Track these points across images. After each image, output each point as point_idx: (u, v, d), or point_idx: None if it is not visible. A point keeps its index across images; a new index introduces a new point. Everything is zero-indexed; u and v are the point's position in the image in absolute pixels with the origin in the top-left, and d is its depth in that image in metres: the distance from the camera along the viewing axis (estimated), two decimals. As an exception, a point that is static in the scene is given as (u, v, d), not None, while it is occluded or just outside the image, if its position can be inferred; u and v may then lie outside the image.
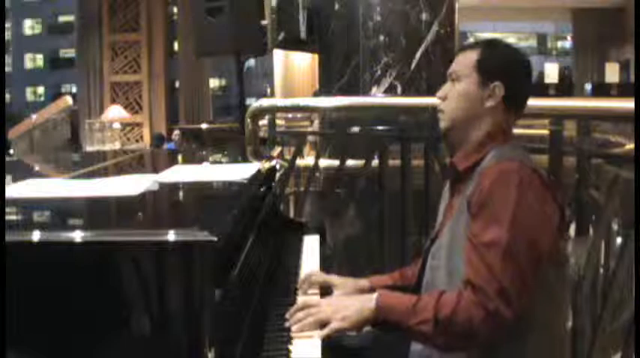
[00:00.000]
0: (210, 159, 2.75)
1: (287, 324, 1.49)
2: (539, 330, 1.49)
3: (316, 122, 4.78)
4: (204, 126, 11.23)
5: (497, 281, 1.39)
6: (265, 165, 2.25)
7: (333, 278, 1.80)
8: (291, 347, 1.40)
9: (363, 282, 1.80)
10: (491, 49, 1.65)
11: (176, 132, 10.54)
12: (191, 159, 2.86)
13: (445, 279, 1.54)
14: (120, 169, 2.39)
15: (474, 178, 1.53)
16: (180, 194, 1.84)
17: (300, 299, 1.66)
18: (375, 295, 1.50)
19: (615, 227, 2.59)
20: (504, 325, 1.39)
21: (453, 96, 1.63)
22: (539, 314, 1.48)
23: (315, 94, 5.10)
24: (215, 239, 1.17)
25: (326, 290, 1.78)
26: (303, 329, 1.46)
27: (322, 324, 1.47)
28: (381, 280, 1.82)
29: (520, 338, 1.46)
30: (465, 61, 1.63)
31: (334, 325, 1.46)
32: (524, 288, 1.41)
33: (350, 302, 1.53)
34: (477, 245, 1.44)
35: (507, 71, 1.61)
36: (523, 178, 1.46)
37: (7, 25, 38.20)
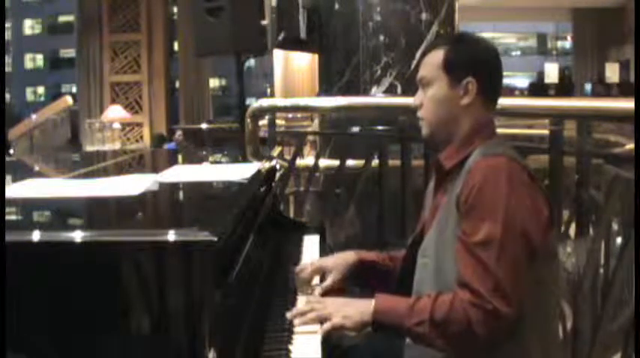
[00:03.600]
0: (210, 159, 2.75)
1: (288, 315, 1.50)
2: (530, 327, 1.46)
3: (316, 122, 4.79)
4: (204, 126, 11.25)
5: (493, 280, 1.38)
6: (265, 165, 2.25)
7: (326, 264, 1.76)
8: (291, 347, 1.39)
9: (351, 256, 1.76)
10: (455, 45, 1.59)
11: (179, 132, 10.53)
12: (191, 159, 2.85)
13: (433, 277, 1.52)
14: (120, 169, 2.39)
15: (461, 175, 1.51)
16: (180, 194, 1.83)
17: (302, 299, 1.66)
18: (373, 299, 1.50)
19: (615, 227, 2.59)
20: (504, 323, 1.38)
21: (428, 102, 1.59)
22: (531, 311, 1.45)
23: (318, 96, 5.10)
24: (215, 239, 1.17)
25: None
26: (305, 323, 1.46)
27: (323, 321, 1.47)
28: (368, 255, 1.79)
29: (512, 335, 1.43)
30: (431, 64, 1.58)
31: (335, 321, 1.46)
32: (519, 283, 1.40)
33: (352, 304, 1.52)
34: (469, 244, 1.43)
35: (476, 65, 1.55)
36: (512, 173, 1.45)
37: (7, 25, 38.15)
